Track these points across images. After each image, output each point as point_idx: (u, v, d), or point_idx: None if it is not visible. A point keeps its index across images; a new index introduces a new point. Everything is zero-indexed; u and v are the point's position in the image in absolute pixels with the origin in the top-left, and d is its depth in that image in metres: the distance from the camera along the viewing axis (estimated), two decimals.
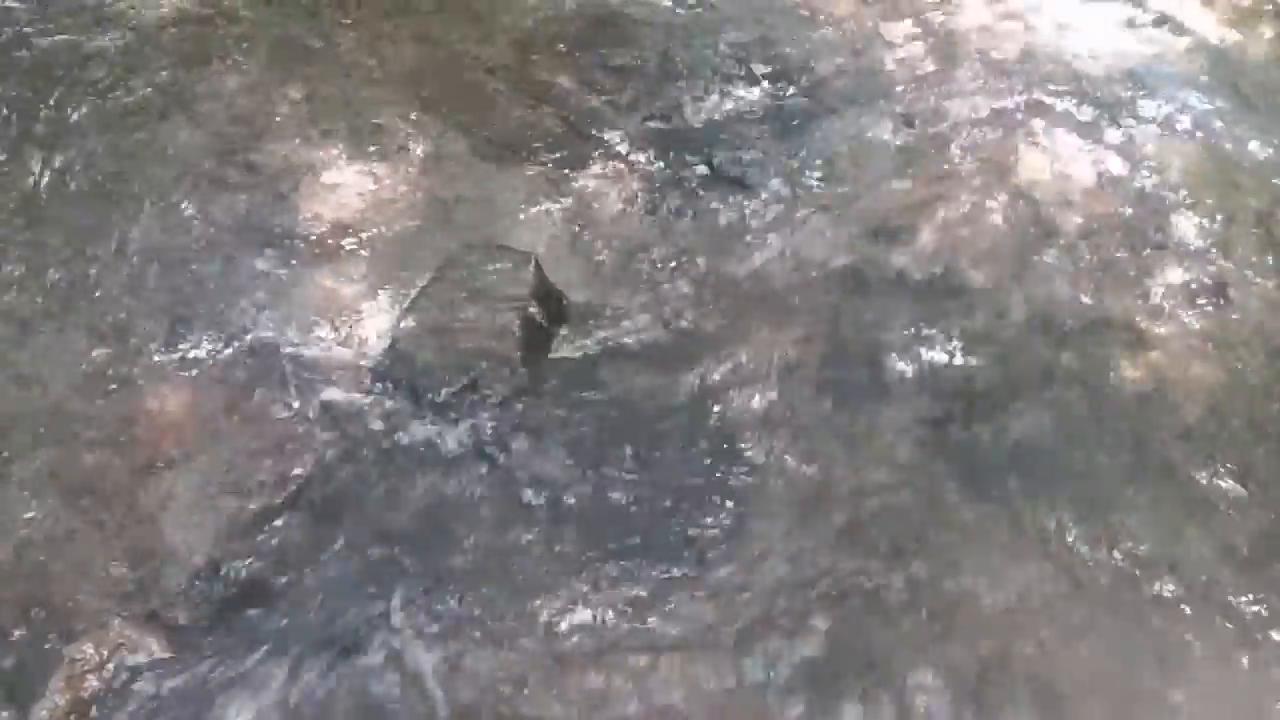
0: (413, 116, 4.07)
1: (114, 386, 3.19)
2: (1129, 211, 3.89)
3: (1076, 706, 2.70)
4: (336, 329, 3.39)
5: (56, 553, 2.85)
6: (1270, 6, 4.85)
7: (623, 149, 4.02)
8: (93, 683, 2.64)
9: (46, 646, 2.68)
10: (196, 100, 4.04)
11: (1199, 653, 2.80)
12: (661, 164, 3.96)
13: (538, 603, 2.82)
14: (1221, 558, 2.99)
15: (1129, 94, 4.35)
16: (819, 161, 4.00)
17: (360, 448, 3.11)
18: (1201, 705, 2.72)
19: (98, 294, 3.41)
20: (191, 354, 3.29)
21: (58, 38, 4.21)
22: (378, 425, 3.16)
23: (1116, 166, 4.05)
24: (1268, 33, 4.72)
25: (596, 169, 3.94)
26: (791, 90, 4.30)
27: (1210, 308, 3.59)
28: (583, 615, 2.80)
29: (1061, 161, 4.06)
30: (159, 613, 2.76)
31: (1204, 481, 3.15)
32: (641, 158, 3.99)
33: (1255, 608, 2.89)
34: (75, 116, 3.92)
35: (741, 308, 3.52)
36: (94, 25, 4.29)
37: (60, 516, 2.92)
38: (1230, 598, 2.91)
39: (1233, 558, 2.99)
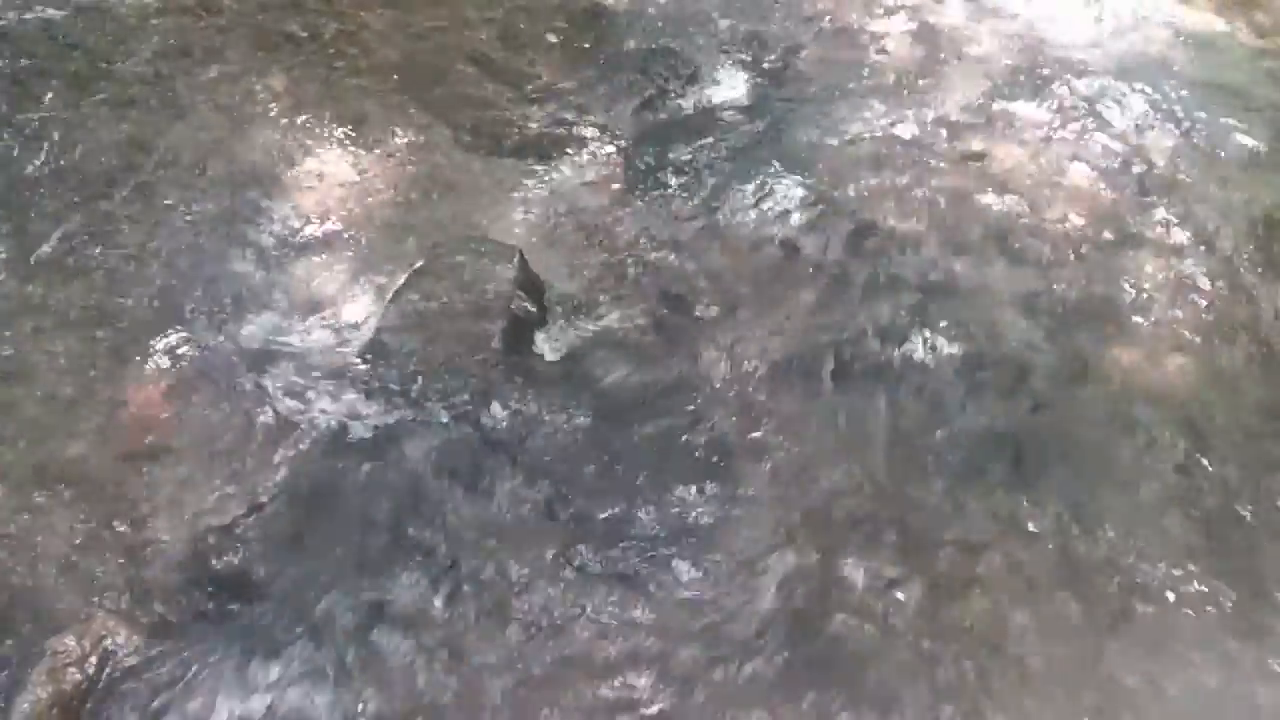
0: (396, 108, 4.06)
1: (98, 379, 3.17)
2: (1112, 203, 3.90)
3: (1058, 695, 2.72)
4: (320, 320, 3.38)
5: (39, 545, 2.83)
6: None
7: (608, 141, 4.02)
8: (75, 675, 2.63)
9: (29, 639, 2.67)
10: (179, 91, 4.02)
11: (1179, 640, 2.82)
12: (647, 156, 3.96)
13: (522, 592, 2.83)
14: (1202, 545, 3.01)
15: (1112, 86, 4.37)
16: (804, 154, 4.00)
17: (344, 439, 3.10)
18: (1182, 692, 2.74)
19: (81, 286, 3.39)
20: (175, 346, 3.27)
21: (40, 30, 4.18)
22: (361, 416, 3.15)
23: (1100, 159, 4.07)
24: (1250, 25, 4.73)
25: (581, 161, 3.94)
26: (777, 83, 4.31)
27: (1192, 299, 3.61)
28: (568, 603, 2.81)
29: (1045, 154, 4.07)
30: (142, 606, 2.75)
31: (1185, 471, 3.17)
32: (627, 150, 3.99)
33: (1236, 594, 2.91)
34: (58, 109, 3.89)
35: (726, 299, 3.52)
36: (76, 17, 4.27)
37: (43, 509, 2.90)
38: (1211, 585, 2.93)
39: (1213, 545, 3.01)
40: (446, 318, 3.34)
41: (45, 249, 3.47)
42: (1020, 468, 3.15)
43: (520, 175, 3.87)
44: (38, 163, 3.72)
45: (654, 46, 4.40)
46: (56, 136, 3.81)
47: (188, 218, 3.61)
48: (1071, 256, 3.70)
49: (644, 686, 2.69)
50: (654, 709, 2.66)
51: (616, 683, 2.69)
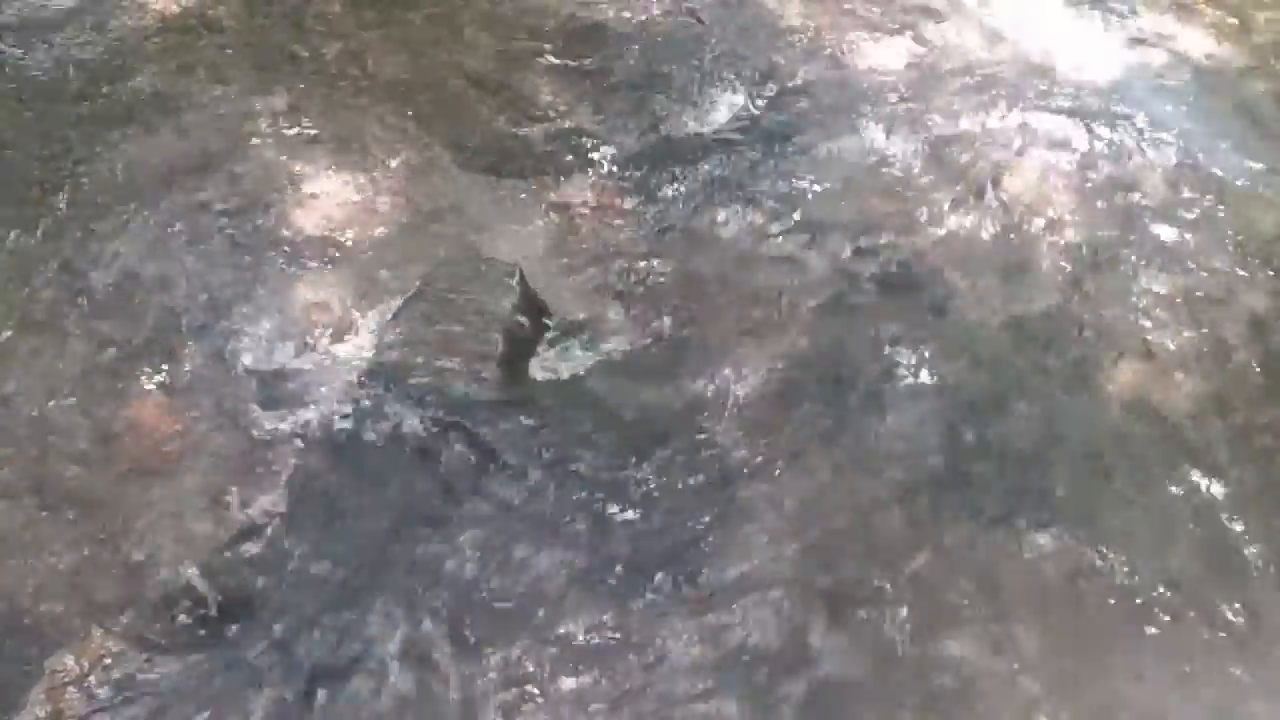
0: (397, 128, 4.08)
1: (97, 398, 3.17)
2: (1113, 223, 3.91)
3: (1063, 715, 2.72)
4: (320, 340, 3.38)
5: (38, 564, 2.84)
6: (1258, 20, 4.90)
7: (607, 161, 4.03)
8: (73, 695, 2.63)
9: (27, 658, 2.67)
10: (179, 110, 4.03)
11: (1186, 659, 2.82)
12: (645, 176, 3.97)
13: (522, 613, 2.83)
14: (1208, 564, 3.01)
15: (1113, 107, 4.39)
16: (804, 174, 4.02)
17: (343, 460, 3.11)
18: (1187, 711, 2.74)
19: (80, 305, 3.39)
20: (174, 365, 3.28)
21: (40, 48, 4.20)
22: (361, 437, 3.15)
23: (1100, 179, 4.08)
24: (1249, 47, 4.76)
25: (581, 181, 3.95)
26: (776, 103, 4.32)
27: (1192, 320, 3.62)
28: (568, 629, 2.81)
29: (1046, 174, 4.08)
30: (141, 625, 2.75)
31: (1189, 489, 3.18)
32: (626, 170, 4.00)
33: (1242, 614, 2.92)
34: (58, 127, 3.90)
35: (725, 320, 3.53)
36: (77, 35, 4.28)
37: (42, 527, 2.90)
38: (1217, 604, 2.93)
39: (1219, 565, 3.01)
40: (447, 338, 3.35)
41: (44, 267, 3.48)
42: (1024, 490, 3.15)
43: (520, 195, 3.88)
44: (36, 181, 3.73)
45: (653, 68, 4.41)
46: (57, 154, 3.82)
47: (188, 236, 3.62)
48: (1071, 276, 3.72)
49: (639, 713, 2.68)
50: None
51: (614, 707, 2.69)
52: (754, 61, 4.49)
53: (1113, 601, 2.93)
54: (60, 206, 3.66)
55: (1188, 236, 3.88)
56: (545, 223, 3.80)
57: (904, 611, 2.87)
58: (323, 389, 3.26)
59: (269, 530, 2.95)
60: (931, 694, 2.73)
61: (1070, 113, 4.34)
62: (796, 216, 3.86)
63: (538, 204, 3.86)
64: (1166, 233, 3.89)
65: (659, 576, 2.91)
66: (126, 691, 2.63)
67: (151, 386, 3.23)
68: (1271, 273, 3.78)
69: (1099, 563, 3.00)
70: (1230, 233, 3.91)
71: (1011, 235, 3.85)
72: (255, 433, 3.15)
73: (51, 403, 3.16)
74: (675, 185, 3.95)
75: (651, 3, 4.69)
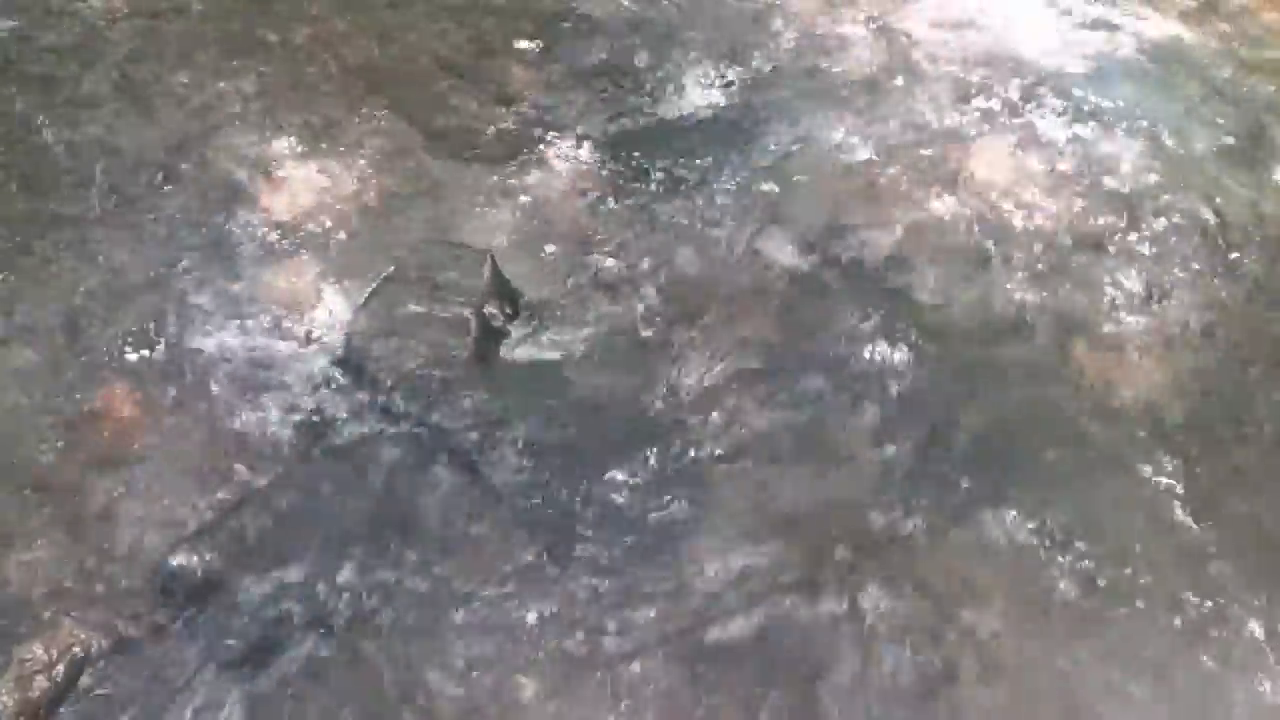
0: (368, 112, 4.06)
1: (65, 385, 3.15)
2: (1080, 211, 3.94)
3: (1026, 704, 2.74)
4: (290, 326, 3.37)
5: (5, 552, 2.82)
6: (1225, 4, 4.93)
7: (580, 147, 4.03)
8: (42, 683, 2.61)
9: None
10: (148, 94, 4.00)
11: (1145, 646, 2.85)
12: (618, 163, 3.97)
13: (494, 600, 2.83)
14: (1168, 553, 3.04)
15: (1080, 94, 4.41)
16: (775, 161, 4.02)
17: (314, 445, 3.10)
18: (1146, 700, 2.77)
19: (47, 291, 3.37)
20: (143, 352, 3.26)
21: (6, 31, 4.15)
22: (331, 423, 3.15)
23: (1068, 166, 4.10)
24: (1217, 32, 4.79)
25: (553, 167, 3.94)
26: (749, 91, 4.32)
27: (1159, 307, 3.65)
28: (539, 613, 2.81)
29: (1014, 161, 4.10)
30: (111, 614, 2.74)
31: (1152, 478, 3.21)
32: (598, 156, 4.00)
33: (1200, 602, 2.95)
34: (25, 111, 3.87)
35: (696, 307, 3.54)
36: (44, 18, 4.24)
37: (10, 515, 2.88)
38: (1176, 592, 2.96)
39: (1179, 553, 3.04)
40: (417, 324, 3.34)
41: (10, 254, 3.45)
42: (992, 478, 3.17)
43: (492, 181, 3.87)
44: (2, 166, 3.69)
45: (625, 54, 4.41)
46: (23, 139, 3.78)
47: (156, 222, 3.59)
48: (1041, 263, 3.74)
49: (613, 698, 2.70)
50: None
51: (585, 693, 2.70)
52: (726, 50, 4.49)
53: (1076, 587, 2.96)
54: (27, 192, 3.62)
55: (1155, 224, 3.91)
56: (517, 209, 3.80)
57: (875, 600, 2.89)
58: (293, 374, 3.25)
59: (240, 518, 2.94)
60: (902, 684, 2.75)
61: (1039, 100, 4.36)
62: (769, 204, 3.87)
63: (509, 190, 3.85)
64: (1134, 220, 3.92)
65: (630, 565, 2.92)
66: (95, 680, 2.63)
67: (120, 373, 3.20)
68: (1239, 259, 3.81)
69: (1065, 550, 3.02)
70: (1199, 219, 3.94)
71: (981, 224, 3.87)
72: (224, 420, 3.14)
73: (19, 392, 3.13)
74: (647, 173, 3.95)
75: None
